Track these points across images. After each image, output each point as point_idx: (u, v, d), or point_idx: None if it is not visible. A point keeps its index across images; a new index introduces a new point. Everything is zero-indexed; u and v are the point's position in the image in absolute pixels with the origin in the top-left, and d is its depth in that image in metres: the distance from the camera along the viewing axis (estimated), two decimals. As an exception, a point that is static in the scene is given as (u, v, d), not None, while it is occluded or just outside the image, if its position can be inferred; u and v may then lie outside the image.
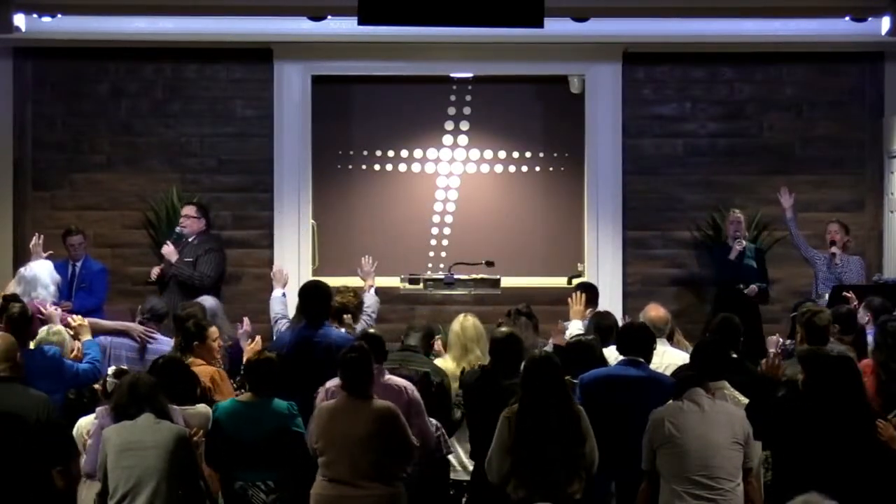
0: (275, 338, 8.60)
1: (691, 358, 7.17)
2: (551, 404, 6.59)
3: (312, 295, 8.10)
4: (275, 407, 7.01)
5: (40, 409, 6.45)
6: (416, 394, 7.22)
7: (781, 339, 8.71)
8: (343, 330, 8.32)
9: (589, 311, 9.17)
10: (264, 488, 6.88)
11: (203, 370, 7.70)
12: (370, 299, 9.28)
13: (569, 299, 9.18)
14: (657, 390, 7.06)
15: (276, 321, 8.94)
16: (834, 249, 11.33)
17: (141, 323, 8.83)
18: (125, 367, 7.65)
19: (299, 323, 8.19)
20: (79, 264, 11.03)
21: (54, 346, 7.79)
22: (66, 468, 6.46)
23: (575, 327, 8.71)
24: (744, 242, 11.62)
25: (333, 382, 7.16)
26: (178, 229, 11.42)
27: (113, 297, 11.81)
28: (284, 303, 9.12)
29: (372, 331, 7.67)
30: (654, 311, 8.53)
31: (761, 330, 11.26)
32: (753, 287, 11.47)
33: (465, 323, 8.28)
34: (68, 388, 7.43)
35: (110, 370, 7.47)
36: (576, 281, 11.75)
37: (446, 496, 7.89)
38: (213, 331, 8.07)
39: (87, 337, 8.17)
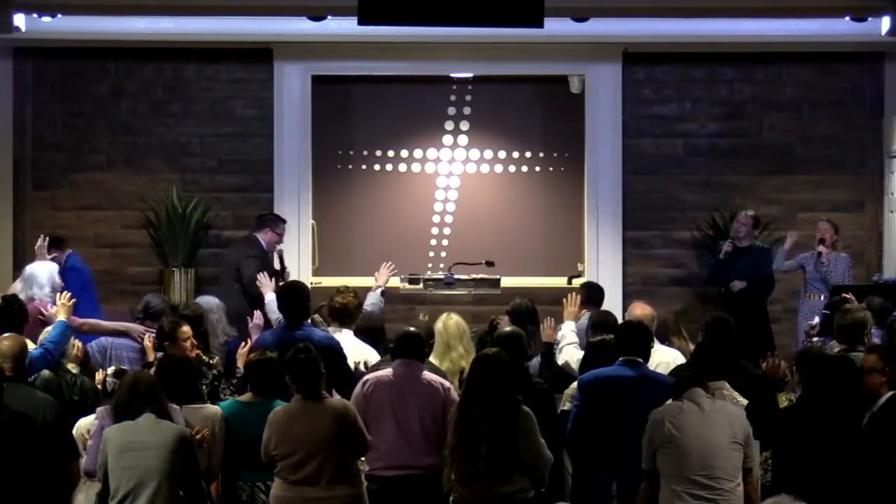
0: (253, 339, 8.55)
1: (692, 358, 7.15)
2: (491, 403, 6.53)
3: (291, 295, 8.08)
4: (274, 407, 7.00)
5: (45, 410, 6.45)
6: (453, 392, 7.20)
7: (817, 320, 8.66)
8: (344, 331, 8.32)
9: (584, 312, 9.11)
10: (264, 488, 6.87)
11: None
12: (373, 297, 9.29)
13: (563, 300, 9.06)
14: (656, 390, 7.06)
15: (278, 322, 8.92)
16: (821, 248, 11.31)
17: (138, 322, 8.81)
18: (125, 367, 7.65)
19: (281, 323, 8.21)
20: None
21: None
22: (67, 471, 6.45)
23: (568, 328, 8.61)
24: (747, 243, 11.55)
25: (375, 375, 7.20)
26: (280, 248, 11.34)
27: (113, 297, 11.81)
28: None
29: (413, 329, 7.61)
30: (640, 310, 8.52)
31: (769, 328, 11.26)
32: (735, 283, 11.39)
33: (447, 322, 8.29)
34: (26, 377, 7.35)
35: (110, 370, 7.49)
36: (576, 281, 11.75)
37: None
38: (185, 330, 7.99)
39: (61, 317, 8.02)
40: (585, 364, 7.70)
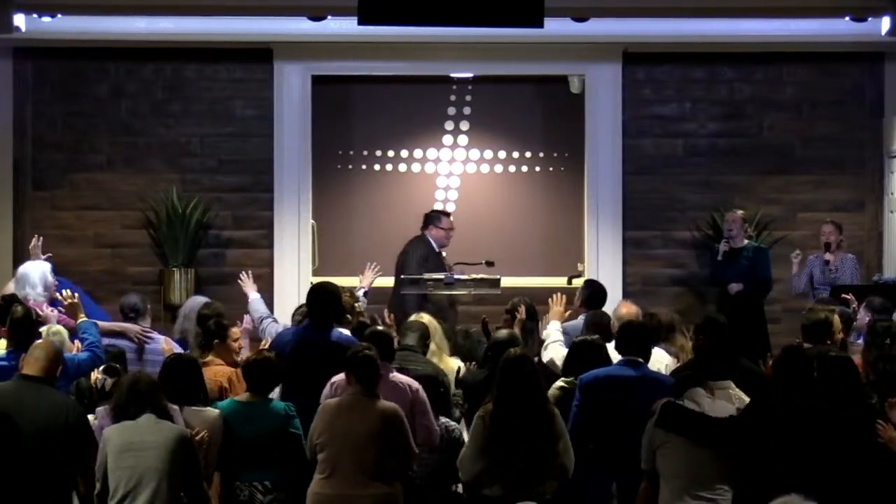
0: (269, 336, 8.54)
1: (695, 357, 7.15)
2: (525, 403, 6.69)
3: (322, 297, 7.99)
4: (272, 407, 7.02)
5: (68, 413, 6.44)
6: (422, 393, 7.23)
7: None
8: (346, 331, 8.32)
9: (577, 313, 9.10)
10: (261, 488, 6.87)
11: (221, 370, 7.75)
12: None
13: (549, 299, 8.98)
14: (657, 390, 7.06)
15: (261, 320, 8.93)
16: (828, 256, 11.22)
17: (131, 322, 8.82)
18: (116, 365, 7.64)
19: (303, 322, 8.17)
20: None
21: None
22: (90, 474, 6.44)
23: (553, 327, 8.59)
24: (743, 243, 11.53)
25: (341, 377, 7.17)
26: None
27: (113, 297, 11.76)
28: (263, 302, 9.21)
29: (380, 328, 7.67)
30: (626, 308, 8.53)
31: (766, 329, 11.25)
32: (733, 286, 11.38)
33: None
34: (72, 382, 7.40)
35: (101, 368, 7.47)
36: (576, 281, 11.74)
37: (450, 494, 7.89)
38: (235, 331, 8.11)
39: (81, 317, 8.09)
40: (568, 363, 7.72)
